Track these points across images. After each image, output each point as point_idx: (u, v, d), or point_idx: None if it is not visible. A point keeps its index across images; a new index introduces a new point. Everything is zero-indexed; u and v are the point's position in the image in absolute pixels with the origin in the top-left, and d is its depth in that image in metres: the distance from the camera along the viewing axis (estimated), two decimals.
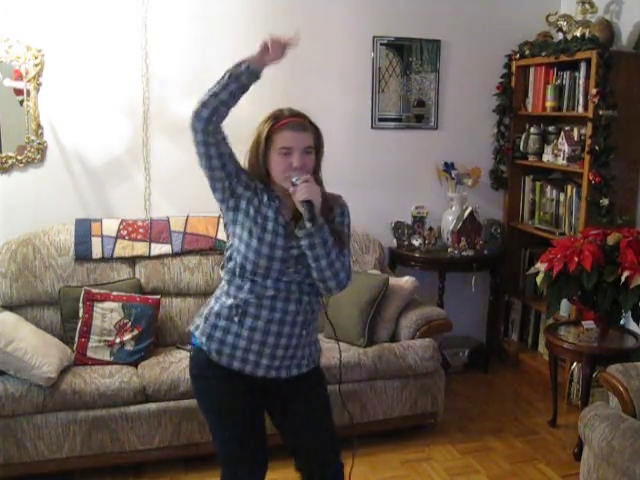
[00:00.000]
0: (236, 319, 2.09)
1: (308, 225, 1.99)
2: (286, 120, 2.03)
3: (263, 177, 2.08)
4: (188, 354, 3.34)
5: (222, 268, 2.19)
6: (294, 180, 2.00)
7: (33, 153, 3.65)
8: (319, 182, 2.11)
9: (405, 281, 3.68)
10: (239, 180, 2.06)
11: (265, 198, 2.07)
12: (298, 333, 2.13)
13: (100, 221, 3.62)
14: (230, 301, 2.11)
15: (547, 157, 4.21)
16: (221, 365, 2.13)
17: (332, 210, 2.14)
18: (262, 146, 2.04)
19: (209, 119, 1.98)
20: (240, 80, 1.99)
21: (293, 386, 2.20)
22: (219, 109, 1.99)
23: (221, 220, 3.73)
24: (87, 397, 2.98)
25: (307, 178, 2.00)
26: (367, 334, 3.47)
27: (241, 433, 2.17)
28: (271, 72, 3.83)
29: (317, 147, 2.09)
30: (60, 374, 3.00)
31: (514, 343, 4.62)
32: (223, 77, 2.00)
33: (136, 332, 3.28)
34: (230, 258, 2.13)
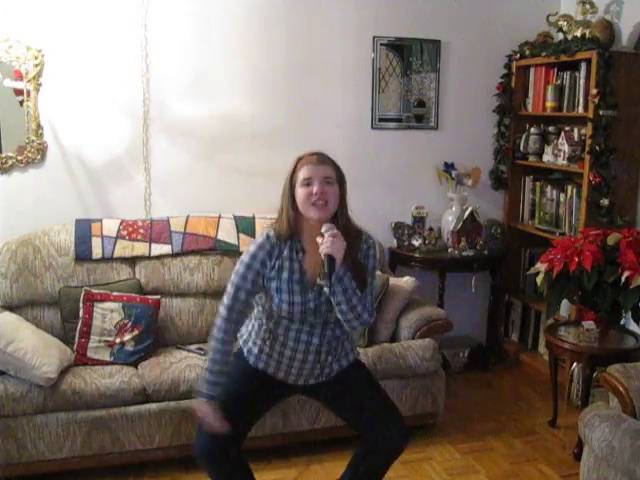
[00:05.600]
0: (267, 343, 2.37)
1: (325, 281, 2.16)
2: (305, 159, 2.29)
3: (292, 225, 2.27)
4: (188, 354, 3.36)
5: None
6: (323, 231, 2.18)
7: (33, 153, 3.64)
8: (346, 218, 2.32)
9: (405, 281, 3.68)
10: (263, 271, 2.28)
11: (286, 252, 2.28)
12: (323, 359, 2.39)
13: (100, 221, 3.62)
14: (263, 326, 2.38)
15: (547, 157, 4.21)
16: (255, 367, 2.43)
17: (356, 245, 2.31)
18: (289, 186, 2.28)
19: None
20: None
21: (332, 383, 2.45)
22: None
23: (221, 220, 3.75)
24: (87, 397, 2.98)
25: (335, 233, 2.17)
26: (367, 334, 3.46)
27: (237, 401, 2.39)
28: (271, 72, 3.87)
29: (339, 181, 2.30)
30: (60, 374, 3.00)
31: (514, 343, 4.62)
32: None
33: (136, 332, 3.28)
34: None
